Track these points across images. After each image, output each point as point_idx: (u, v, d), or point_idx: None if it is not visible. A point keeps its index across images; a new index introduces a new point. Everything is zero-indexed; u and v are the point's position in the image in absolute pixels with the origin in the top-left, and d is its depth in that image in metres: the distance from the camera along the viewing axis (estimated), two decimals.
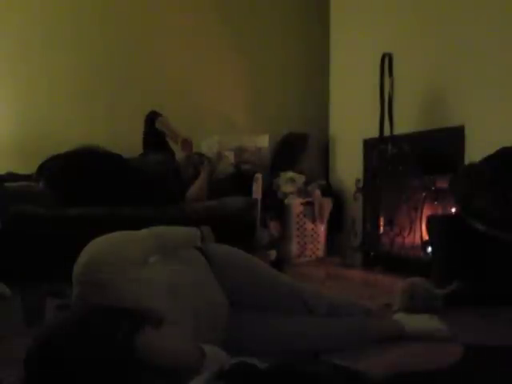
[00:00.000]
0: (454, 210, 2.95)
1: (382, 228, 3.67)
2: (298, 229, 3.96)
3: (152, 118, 3.42)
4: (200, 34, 4.18)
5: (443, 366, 1.50)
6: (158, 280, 1.51)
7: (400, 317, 2.04)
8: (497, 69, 2.99)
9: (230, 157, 3.86)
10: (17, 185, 3.00)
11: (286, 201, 3.96)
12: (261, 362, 1.16)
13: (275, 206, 3.90)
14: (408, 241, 3.44)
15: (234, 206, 3.25)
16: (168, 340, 1.22)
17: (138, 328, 1.17)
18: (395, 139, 3.48)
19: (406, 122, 3.48)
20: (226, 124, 4.19)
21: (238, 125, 4.23)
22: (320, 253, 4.03)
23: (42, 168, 3.07)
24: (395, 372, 1.44)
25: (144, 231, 1.69)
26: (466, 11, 3.20)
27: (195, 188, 3.34)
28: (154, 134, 3.41)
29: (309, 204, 3.98)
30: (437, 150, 3.30)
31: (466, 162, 3.03)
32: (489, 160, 2.55)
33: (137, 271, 1.47)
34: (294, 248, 3.95)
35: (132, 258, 1.49)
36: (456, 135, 3.16)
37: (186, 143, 3.37)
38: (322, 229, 4.02)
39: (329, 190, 4.17)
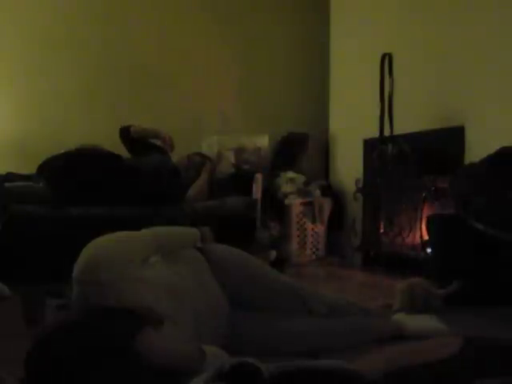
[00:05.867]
0: (453, 209, 2.95)
1: (382, 228, 3.67)
2: (298, 229, 3.96)
3: (125, 132, 3.40)
4: (200, 34, 4.18)
5: (443, 357, 1.49)
6: (158, 280, 1.51)
7: (400, 317, 2.04)
8: (497, 69, 3.00)
9: (230, 157, 3.86)
10: (17, 185, 2.99)
11: (286, 201, 3.96)
12: (261, 362, 1.16)
13: (275, 206, 3.90)
14: (408, 241, 3.44)
15: (234, 206, 3.25)
16: (168, 340, 1.22)
17: (138, 328, 1.17)
18: (395, 139, 3.48)
19: (406, 122, 3.48)
20: (225, 124, 4.19)
21: (238, 125, 4.23)
22: (320, 253, 4.03)
23: (41, 168, 3.06)
24: (395, 368, 1.43)
25: (144, 231, 1.69)
26: (466, 11, 3.20)
27: (195, 188, 3.34)
28: (136, 144, 3.40)
29: (309, 204, 3.98)
30: (437, 150, 3.30)
31: (466, 162, 3.03)
32: (489, 160, 2.55)
33: (137, 271, 1.47)
34: (294, 248, 3.95)
35: (132, 258, 1.49)
36: (456, 135, 3.16)
37: (166, 141, 3.36)
38: (322, 229, 4.02)
39: (329, 190, 4.17)
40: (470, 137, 3.12)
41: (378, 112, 3.54)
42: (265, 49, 4.38)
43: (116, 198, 2.96)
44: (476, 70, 3.11)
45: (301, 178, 4.06)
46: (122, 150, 3.41)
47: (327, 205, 4.04)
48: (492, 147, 2.60)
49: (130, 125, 3.41)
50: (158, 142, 3.43)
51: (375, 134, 3.59)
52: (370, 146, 3.80)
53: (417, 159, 3.37)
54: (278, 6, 4.42)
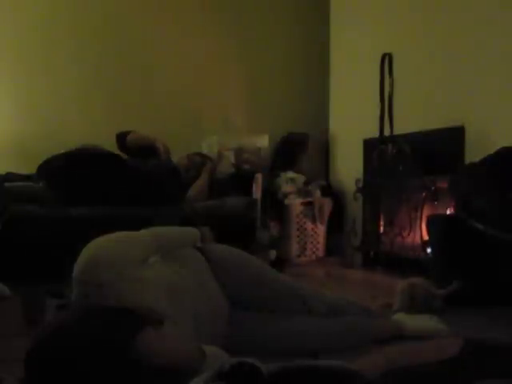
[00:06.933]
0: (453, 210, 2.95)
1: (382, 228, 3.67)
2: (297, 229, 3.96)
3: (121, 139, 3.40)
4: (200, 34, 4.18)
5: (443, 357, 1.50)
6: (158, 280, 1.51)
7: (400, 317, 2.04)
8: (497, 69, 3.00)
9: (230, 157, 3.86)
10: (17, 185, 2.99)
11: (286, 201, 3.96)
12: (261, 361, 1.16)
13: (275, 206, 3.90)
14: (408, 241, 3.44)
15: (234, 206, 3.25)
16: (168, 340, 1.22)
17: (138, 328, 1.17)
18: (395, 139, 3.48)
19: (406, 122, 3.48)
20: (225, 124, 4.19)
21: (238, 125, 4.23)
22: (320, 253, 4.03)
23: (41, 168, 3.06)
24: (395, 368, 1.44)
25: (144, 231, 1.69)
26: (466, 11, 3.20)
27: (195, 188, 3.34)
28: (133, 150, 3.39)
29: (309, 204, 3.98)
30: (437, 150, 3.30)
31: (466, 162, 3.03)
32: (489, 160, 2.55)
33: (137, 271, 1.47)
34: (294, 248, 3.95)
35: (132, 258, 1.49)
36: (456, 135, 3.16)
37: (161, 151, 3.36)
38: (322, 229, 4.02)
39: (329, 190, 4.17)
40: (470, 137, 3.12)
41: (378, 112, 3.54)
42: (265, 48, 4.38)
43: (116, 197, 2.96)
44: (476, 70, 3.11)
45: (301, 178, 4.06)
46: None
47: (327, 205, 4.04)
48: (492, 147, 2.60)
49: (127, 131, 3.40)
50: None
51: (375, 133, 3.59)
52: (370, 145, 3.80)
53: (417, 159, 3.37)
54: (278, 5, 4.42)
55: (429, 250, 3.01)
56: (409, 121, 3.50)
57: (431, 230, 2.78)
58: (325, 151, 4.46)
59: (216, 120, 4.18)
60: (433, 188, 3.25)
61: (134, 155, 3.36)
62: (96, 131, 3.77)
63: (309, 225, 3.98)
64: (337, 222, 4.12)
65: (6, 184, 2.96)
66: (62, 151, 3.11)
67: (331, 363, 1.23)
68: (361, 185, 3.84)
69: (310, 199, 3.99)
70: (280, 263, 3.65)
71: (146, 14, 4.07)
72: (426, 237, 3.09)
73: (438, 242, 2.73)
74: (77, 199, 2.92)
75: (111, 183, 3.00)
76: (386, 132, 3.53)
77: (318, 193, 4.03)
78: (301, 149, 4.23)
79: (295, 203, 3.96)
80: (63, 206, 2.90)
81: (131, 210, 2.93)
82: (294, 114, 4.39)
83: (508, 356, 1.55)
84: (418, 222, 3.30)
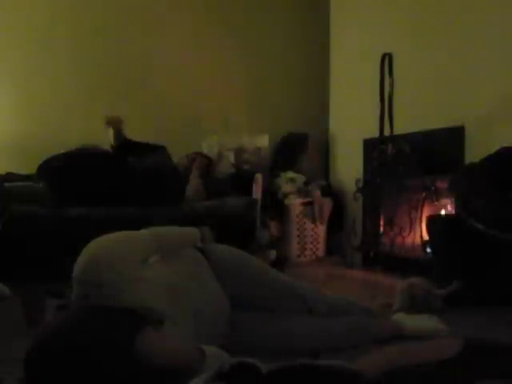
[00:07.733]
0: (453, 210, 2.95)
1: (382, 228, 3.67)
2: (297, 229, 3.96)
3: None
4: (200, 34, 4.18)
5: (443, 357, 1.49)
6: (158, 280, 1.51)
7: (400, 317, 2.04)
8: (497, 69, 3.00)
9: (230, 157, 3.86)
10: (17, 185, 2.99)
11: (285, 201, 3.96)
12: (261, 361, 1.16)
13: (275, 206, 3.90)
14: (408, 241, 3.45)
15: (233, 206, 3.25)
16: (168, 340, 1.22)
17: (138, 328, 1.17)
18: (395, 139, 3.48)
19: (405, 122, 3.48)
20: (225, 124, 4.19)
21: (238, 125, 4.23)
22: (320, 253, 4.03)
23: (41, 168, 3.06)
24: (395, 368, 1.43)
25: (144, 231, 1.69)
26: (466, 11, 3.20)
27: (191, 188, 3.34)
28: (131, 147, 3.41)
29: (309, 204, 3.98)
30: (437, 150, 3.30)
31: (466, 162, 3.03)
32: (489, 160, 2.55)
33: (137, 271, 1.47)
34: (294, 248, 3.95)
35: (132, 258, 1.49)
36: (456, 135, 3.16)
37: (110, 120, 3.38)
38: (322, 229, 4.02)
39: (329, 190, 4.17)
40: (470, 137, 3.12)
41: (378, 112, 3.54)
42: (265, 49, 4.38)
43: (116, 197, 2.96)
44: (476, 70, 3.11)
45: (301, 178, 4.06)
46: None
47: (327, 205, 4.04)
48: (492, 147, 2.60)
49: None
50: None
51: (375, 134, 3.59)
52: (370, 146, 3.80)
53: (417, 159, 3.37)
54: (278, 5, 4.42)
55: (429, 250, 3.01)
56: (409, 121, 3.50)
57: (431, 230, 2.78)
58: (325, 151, 4.46)
59: (216, 120, 4.18)
60: (433, 188, 3.26)
61: (131, 150, 3.37)
62: (96, 131, 3.76)
63: (309, 225, 3.98)
64: (337, 222, 4.12)
65: (6, 184, 2.96)
66: (62, 151, 3.12)
67: (332, 363, 1.23)
68: (361, 185, 3.84)
69: (309, 199, 3.99)
70: (280, 263, 3.65)
71: (146, 13, 4.07)
72: (426, 237, 3.09)
73: (438, 242, 2.73)
74: (77, 199, 2.92)
75: (111, 183, 3.01)
76: (386, 132, 3.53)
77: (318, 193, 4.03)
78: (301, 149, 4.23)
79: (295, 203, 3.96)
80: (63, 206, 2.90)
81: (131, 210, 2.93)
82: (294, 114, 4.40)
83: (508, 356, 1.55)
84: (418, 221, 3.30)
